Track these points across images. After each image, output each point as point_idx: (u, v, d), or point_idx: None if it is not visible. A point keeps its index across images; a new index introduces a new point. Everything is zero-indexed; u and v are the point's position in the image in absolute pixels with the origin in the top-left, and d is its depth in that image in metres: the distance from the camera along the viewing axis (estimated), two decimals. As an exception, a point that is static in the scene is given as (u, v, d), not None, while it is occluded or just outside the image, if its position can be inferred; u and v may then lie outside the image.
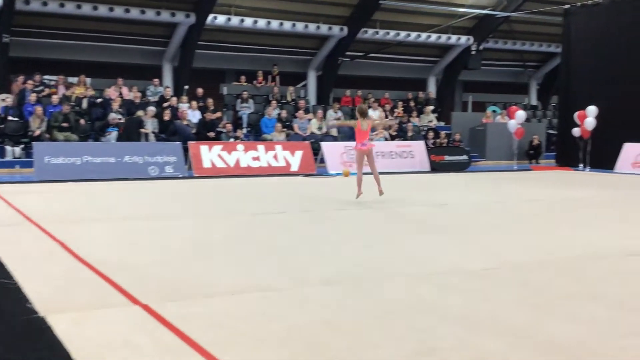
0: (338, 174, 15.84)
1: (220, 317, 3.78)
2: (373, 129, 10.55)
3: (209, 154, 15.45)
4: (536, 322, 3.71)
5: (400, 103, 23.30)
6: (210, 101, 18.80)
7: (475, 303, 4.09)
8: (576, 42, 19.75)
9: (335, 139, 18.86)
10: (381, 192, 9.89)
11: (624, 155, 17.39)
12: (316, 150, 17.07)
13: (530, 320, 3.74)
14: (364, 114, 9.81)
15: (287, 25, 21.43)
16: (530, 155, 21.61)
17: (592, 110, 17.66)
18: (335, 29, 22.23)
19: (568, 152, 19.45)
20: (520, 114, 19.65)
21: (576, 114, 18.25)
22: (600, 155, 18.03)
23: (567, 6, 20.10)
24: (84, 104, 17.40)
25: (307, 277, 4.81)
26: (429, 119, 22.93)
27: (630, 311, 3.94)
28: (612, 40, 18.45)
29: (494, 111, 24.58)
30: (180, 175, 14.70)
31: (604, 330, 3.57)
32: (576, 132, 18.36)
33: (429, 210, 9.09)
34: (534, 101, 28.93)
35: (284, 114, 19.49)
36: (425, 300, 4.16)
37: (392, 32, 23.21)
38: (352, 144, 17.71)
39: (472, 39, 24.66)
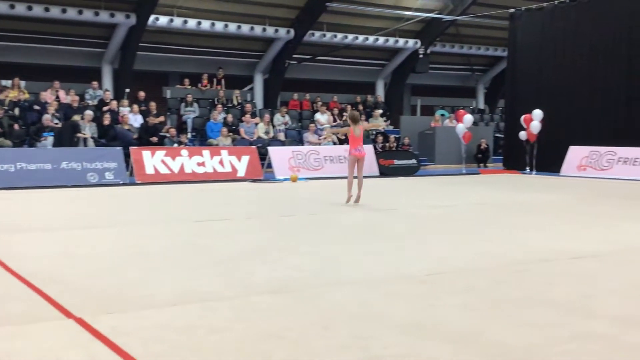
0: (286, 179, 15.82)
1: (158, 330, 3.70)
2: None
3: (152, 160, 15.19)
4: (481, 327, 3.76)
5: (349, 107, 23.42)
6: (152, 105, 18.49)
7: (421, 309, 4.13)
8: (521, 46, 20.27)
9: (283, 143, 18.83)
10: (359, 199, 10.07)
11: (569, 159, 17.90)
12: (263, 155, 17.00)
13: (475, 325, 3.80)
14: (356, 120, 10.14)
15: (232, 27, 21.30)
16: (478, 159, 22.04)
17: (537, 113, 18.13)
18: (282, 31, 22.22)
19: (515, 156, 19.91)
20: (468, 118, 20.03)
21: (522, 118, 18.69)
22: (546, 158, 18.53)
23: (512, 10, 20.62)
24: (17, 109, 16.89)
25: (251, 285, 4.77)
26: (378, 122, 23.11)
27: (574, 314, 4.04)
28: (556, 44, 19.01)
29: (442, 115, 24.95)
30: (121, 182, 14.40)
31: (549, 334, 3.64)
32: (523, 135, 18.81)
33: (377, 216, 9.15)
34: (481, 105, 29.54)
35: (230, 118, 19.35)
36: (371, 308, 4.18)
37: (340, 35, 23.35)
38: (301, 148, 17.88)
39: (419, 43, 25.02)
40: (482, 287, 4.72)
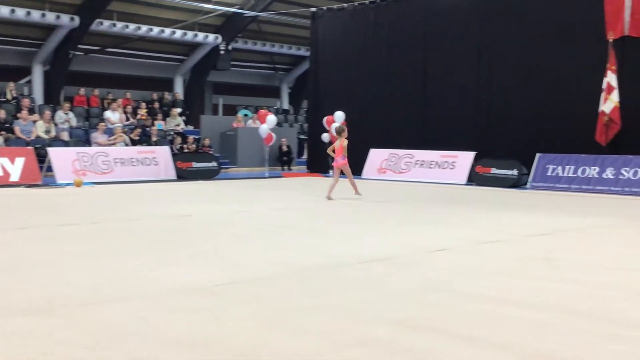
0: (69, 184, 15.00)
1: None
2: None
3: None
4: (264, 338, 3.83)
5: (143, 104, 22.80)
6: None
7: (204, 323, 4.11)
8: (324, 46, 21.12)
9: (66, 144, 17.83)
10: (357, 193, 12.63)
11: (370, 161, 18.97)
12: (42, 157, 15.96)
13: (258, 336, 3.85)
14: (341, 133, 12.56)
15: (5, 10, 19.76)
16: (282, 161, 22.56)
17: (339, 115, 18.96)
18: (65, 18, 21.05)
19: (318, 158, 20.68)
20: (271, 119, 20.44)
21: (325, 119, 19.46)
22: (349, 161, 19.40)
23: (313, 9, 21.41)
24: None
25: (8, 306, 4.43)
26: (176, 122, 22.81)
27: (359, 319, 4.25)
28: (357, 45, 20.07)
29: (245, 115, 25.21)
30: None
31: (333, 340, 3.80)
32: (325, 137, 19.59)
33: (169, 223, 8.99)
34: (286, 105, 30.33)
35: (2, 114, 17.94)
36: (149, 324, 4.07)
37: (132, 26, 22.67)
38: (87, 149, 17.02)
39: (220, 38, 25.09)
40: (272, 296, 4.81)
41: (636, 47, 14.53)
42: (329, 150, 13.23)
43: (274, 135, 20.39)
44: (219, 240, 7.55)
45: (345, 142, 12.68)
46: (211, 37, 24.92)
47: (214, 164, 18.88)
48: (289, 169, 22.39)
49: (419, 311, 4.46)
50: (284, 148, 22.51)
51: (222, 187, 15.63)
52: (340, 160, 12.55)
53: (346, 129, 12.99)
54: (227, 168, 21.39)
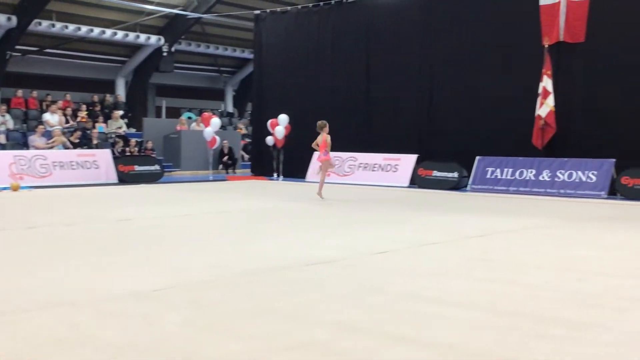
0: (5, 188, 14.56)
1: None
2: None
3: None
4: (199, 343, 3.77)
5: (84, 106, 22.32)
6: None
7: (137, 328, 4.03)
8: (267, 49, 21.07)
9: (3, 147, 17.30)
10: (319, 194, 12.85)
11: (313, 164, 18.96)
12: (-24, 161, 15.46)
13: (193, 341, 3.80)
14: (323, 128, 12.93)
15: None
16: (226, 164, 22.41)
17: (283, 118, 18.95)
18: (2, 18, 20.46)
19: (263, 161, 20.62)
20: (216, 121, 20.28)
21: (269, 122, 19.40)
22: (293, 164, 19.45)
23: (257, 12, 21.34)
24: None
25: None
26: (118, 124, 22.41)
27: (298, 322, 4.24)
28: (300, 48, 20.08)
29: (189, 118, 24.98)
30: None
31: (271, 344, 3.77)
32: (270, 140, 19.53)
33: (108, 227, 8.81)
34: (230, 108, 30.15)
35: None
36: (82, 330, 3.97)
37: (72, 26, 22.17)
38: (24, 152, 16.54)
39: (163, 40, 24.76)
40: (210, 301, 4.75)
41: (570, 52, 14.95)
42: (314, 145, 13.31)
43: (218, 138, 20.23)
44: (159, 244, 7.44)
45: (328, 137, 12.90)
46: (153, 38, 24.57)
47: (157, 167, 18.61)
48: (233, 172, 22.24)
49: (357, 313, 4.47)
50: (226, 151, 22.33)
51: (165, 190, 15.42)
52: (322, 156, 12.87)
53: (327, 124, 13.16)
54: (171, 171, 21.13)
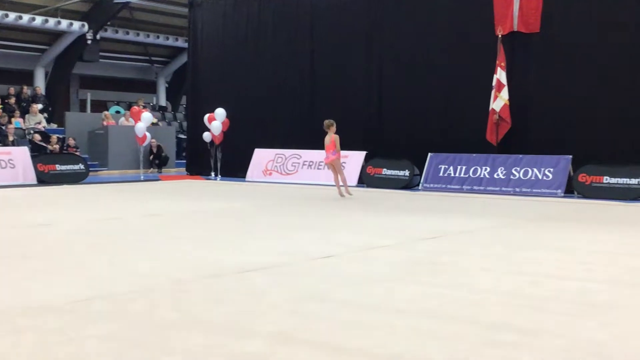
0: None
1: None
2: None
3: None
4: (123, 359, 3.75)
5: (-2, 99, 21.81)
6: None
7: (54, 345, 3.97)
8: (204, 38, 20.94)
9: None
10: (345, 194, 13.47)
11: (255, 163, 18.95)
12: None
13: (116, 358, 3.76)
14: (330, 127, 13.32)
15: None
16: (155, 163, 22.11)
17: (220, 113, 18.84)
18: None
19: (199, 159, 20.47)
20: (147, 116, 20.03)
21: (206, 117, 19.26)
22: (233, 162, 19.37)
23: (192, -4, 21.19)
24: None
25: None
26: (37, 119, 21.95)
27: (231, 334, 4.23)
28: (240, 38, 20.02)
29: (117, 112, 24.64)
30: None
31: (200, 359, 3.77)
32: (207, 137, 19.39)
33: (24, 233, 8.63)
34: (163, 101, 29.84)
35: None
36: (-9, 349, 3.89)
37: (-15, 11, 21.61)
38: None
39: (87, 26, 24.35)
40: (136, 313, 4.71)
41: (525, 43, 15.29)
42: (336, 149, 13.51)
43: (148, 134, 19.98)
44: (81, 251, 7.32)
45: (337, 137, 13.20)
46: (76, 24, 24.11)
47: (81, 166, 18.31)
48: (160, 171, 21.94)
49: (296, 323, 4.50)
50: (155, 149, 22.02)
51: (91, 192, 15.18)
52: (331, 156, 13.26)
53: (334, 123, 13.43)
54: (97, 171, 20.81)
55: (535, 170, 14.58)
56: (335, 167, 13.51)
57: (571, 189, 14.19)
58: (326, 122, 13.56)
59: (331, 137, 13.29)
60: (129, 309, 4.80)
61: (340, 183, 13.59)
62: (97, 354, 3.83)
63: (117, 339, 4.11)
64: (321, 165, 17.76)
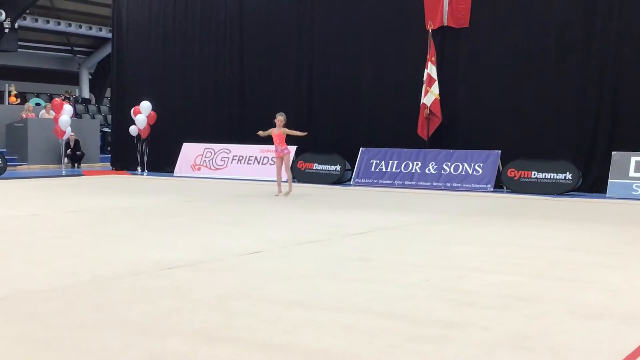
0: None
1: None
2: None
3: None
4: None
5: None
6: None
7: (-38, 348, 3.84)
8: (128, 27, 20.58)
9: None
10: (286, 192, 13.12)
11: (183, 157, 18.73)
12: None
13: (30, 358, 3.67)
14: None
15: None
16: (72, 157, 21.53)
17: (146, 106, 18.55)
18: None
19: (125, 154, 20.11)
20: (68, 109, 19.58)
21: (132, 110, 18.93)
22: (160, 157, 19.10)
23: (116, -15, 20.77)
24: None
25: None
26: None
27: (152, 333, 4.16)
28: (167, 28, 19.73)
29: (37, 104, 24.05)
30: None
31: None
32: (133, 130, 19.06)
33: None
34: (86, 93, 29.24)
35: None
36: None
37: None
38: None
39: (4, 14, 23.64)
40: (51, 312, 4.59)
41: (455, 38, 15.54)
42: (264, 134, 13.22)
43: (68, 128, 19.50)
44: (-5, 249, 7.10)
45: (285, 130, 12.93)
46: (-7, 12, 23.39)
47: (-2, 161, 17.79)
48: (75, 167, 21.41)
49: (220, 320, 4.46)
50: (72, 142, 21.44)
51: (8, 188, 14.75)
52: (284, 150, 13.02)
53: (284, 115, 13.15)
54: (15, 166, 20.26)
55: (465, 165, 14.85)
56: (285, 163, 13.30)
57: (500, 184, 14.51)
58: (278, 115, 13.12)
59: (280, 131, 12.99)
60: (44, 309, 4.68)
61: (284, 179, 13.43)
62: (9, 356, 3.71)
63: (29, 339, 4.00)
64: (251, 160, 17.70)
